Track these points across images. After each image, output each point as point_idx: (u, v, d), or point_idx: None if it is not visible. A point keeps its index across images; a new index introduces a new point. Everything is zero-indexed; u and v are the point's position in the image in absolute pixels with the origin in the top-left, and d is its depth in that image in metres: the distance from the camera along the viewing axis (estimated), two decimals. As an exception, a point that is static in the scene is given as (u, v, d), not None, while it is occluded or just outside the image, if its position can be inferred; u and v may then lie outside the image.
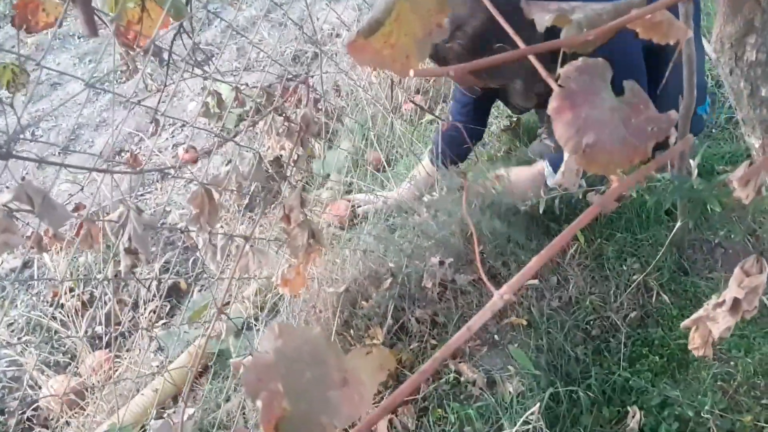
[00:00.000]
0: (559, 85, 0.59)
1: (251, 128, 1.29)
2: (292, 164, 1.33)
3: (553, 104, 0.57)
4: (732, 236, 1.83)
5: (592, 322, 1.70)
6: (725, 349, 1.62)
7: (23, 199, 0.77)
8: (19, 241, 0.74)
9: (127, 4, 0.98)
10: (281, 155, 1.34)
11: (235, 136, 1.23)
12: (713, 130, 2.26)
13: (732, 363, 1.58)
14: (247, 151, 1.22)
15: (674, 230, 1.70)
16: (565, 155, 0.78)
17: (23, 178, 0.81)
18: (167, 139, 3.15)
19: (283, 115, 1.21)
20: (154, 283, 2.01)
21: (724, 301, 0.85)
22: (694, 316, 0.85)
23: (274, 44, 3.26)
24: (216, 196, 1.04)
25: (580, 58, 0.60)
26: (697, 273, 1.83)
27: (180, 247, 2.03)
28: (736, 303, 0.83)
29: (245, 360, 1.11)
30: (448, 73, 0.65)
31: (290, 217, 1.28)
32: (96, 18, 0.98)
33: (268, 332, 0.52)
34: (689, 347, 0.87)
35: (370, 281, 1.71)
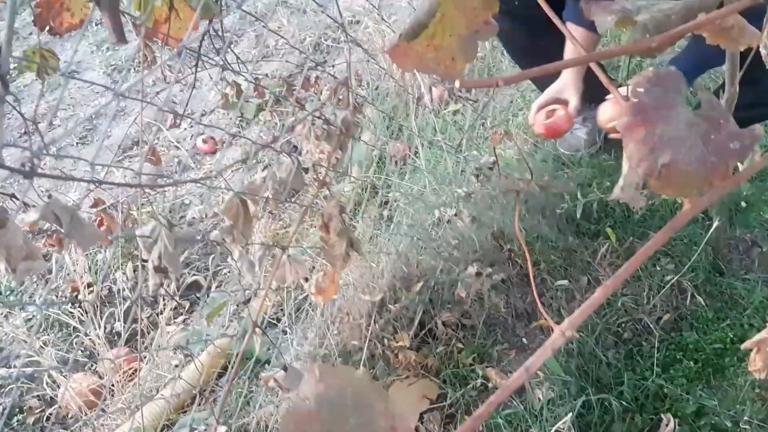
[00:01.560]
0: (627, 99, 0.53)
1: (290, 132, 1.23)
2: (331, 168, 1.26)
3: (623, 120, 0.51)
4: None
5: (623, 325, 1.65)
6: (763, 355, 1.56)
7: (51, 218, 0.73)
8: (43, 265, 0.70)
9: (154, 2, 0.92)
10: (320, 159, 1.28)
11: (273, 142, 1.17)
12: (748, 124, 2.18)
13: (771, 370, 1.52)
14: (284, 156, 1.16)
15: (710, 230, 1.64)
16: (624, 168, 0.71)
17: (50, 196, 0.77)
18: (185, 129, 3.10)
19: (323, 118, 1.15)
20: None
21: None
22: (757, 337, 0.79)
23: (294, 31, 3.20)
24: (252, 208, 0.98)
25: (651, 68, 0.54)
26: (733, 274, 1.76)
27: (200, 243, 2.00)
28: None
29: (277, 374, 1.06)
30: (497, 83, 0.60)
31: (329, 227, 1.22)
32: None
33: (308, 375, 0.48)
34: (749, 369, 0.81)
35: (401, 284, 1.66)
